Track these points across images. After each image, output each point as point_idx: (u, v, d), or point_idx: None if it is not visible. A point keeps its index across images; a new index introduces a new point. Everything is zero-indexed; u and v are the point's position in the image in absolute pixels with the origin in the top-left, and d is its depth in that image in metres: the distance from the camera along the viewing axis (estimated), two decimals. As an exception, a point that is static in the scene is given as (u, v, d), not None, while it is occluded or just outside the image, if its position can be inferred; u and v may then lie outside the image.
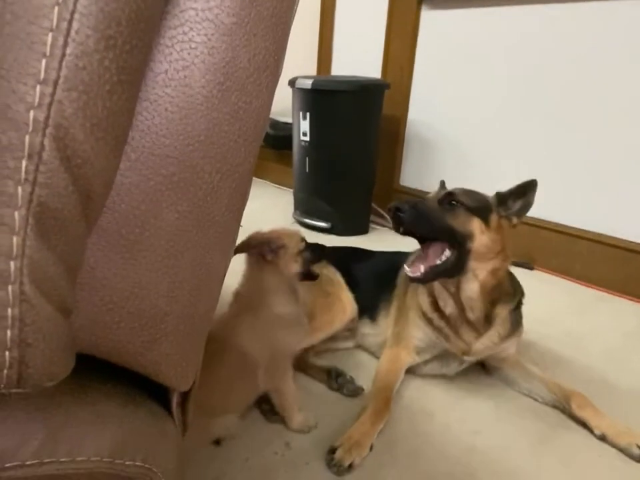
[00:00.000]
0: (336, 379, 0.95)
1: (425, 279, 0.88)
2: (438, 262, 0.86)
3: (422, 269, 0.86)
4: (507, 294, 0.93)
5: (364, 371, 1.01)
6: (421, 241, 0.91)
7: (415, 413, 0.90)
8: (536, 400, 0.95)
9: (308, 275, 0.83)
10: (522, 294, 0.98)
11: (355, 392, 0.93)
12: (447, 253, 0.86)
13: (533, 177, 0.90)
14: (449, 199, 0.88)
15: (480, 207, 0.89)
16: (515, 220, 0.92)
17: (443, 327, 0.95)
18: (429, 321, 0.96)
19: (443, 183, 1.03)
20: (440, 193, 0.92)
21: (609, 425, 0.85)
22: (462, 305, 0.91)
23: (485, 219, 0.88)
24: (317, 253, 0.84)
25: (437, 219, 0.86)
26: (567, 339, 1.18)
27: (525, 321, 1.00)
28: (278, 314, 0.80)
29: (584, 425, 0.87)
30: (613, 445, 0.83)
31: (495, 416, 0.90)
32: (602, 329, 1.24)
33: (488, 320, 0.92)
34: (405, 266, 0.89)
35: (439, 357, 0.99)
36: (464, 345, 0.94)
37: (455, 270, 0.87)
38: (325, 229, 1.89)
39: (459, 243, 0.86)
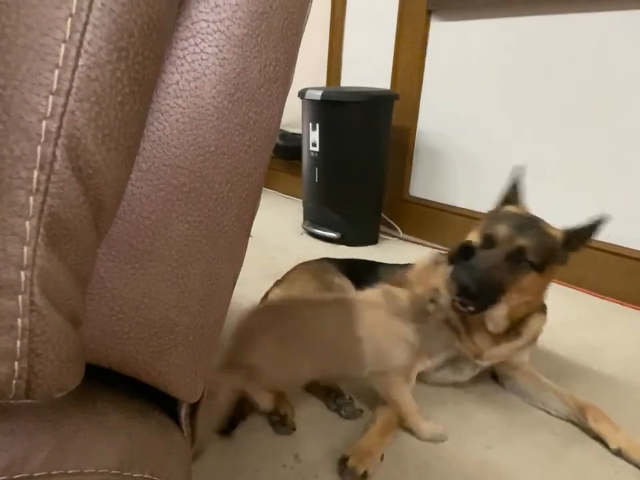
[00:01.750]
0: (334, 400, 0.91)
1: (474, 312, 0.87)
2: None
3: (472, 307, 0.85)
4: (539, 309, 0.95)
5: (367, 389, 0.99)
6: None
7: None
8: (549, 413, 0.93)
9: None
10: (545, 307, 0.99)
11: (353, 414, 0.89)
12: None
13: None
14: (519, 257, 0.84)
15: (545, 260, 0.85)
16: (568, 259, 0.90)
17: (459, 327, 0.94)
18: (446, 321, 0.94)
19: (515, 187, 0.98)
20: (513, 244, 0.84)
21: (626, 439, 0.83)
22: (484, 321, 0.91)
23: (542, 270, 0.85)
24: None
25: (497, 285, 0.83)
26: (581, 351, 1.16)
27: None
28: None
29: (599, 439, 0.85)
30: (629, 461, 0.81)
31: (507, 430, 0.89)
32: (616, 340, 1.22)
33: (514, 332, 0.93)
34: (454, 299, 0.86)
35: (451, 361, 0.98)
36: (477, 348, 0.93)
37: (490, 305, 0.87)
38: (334, 239, 1.89)
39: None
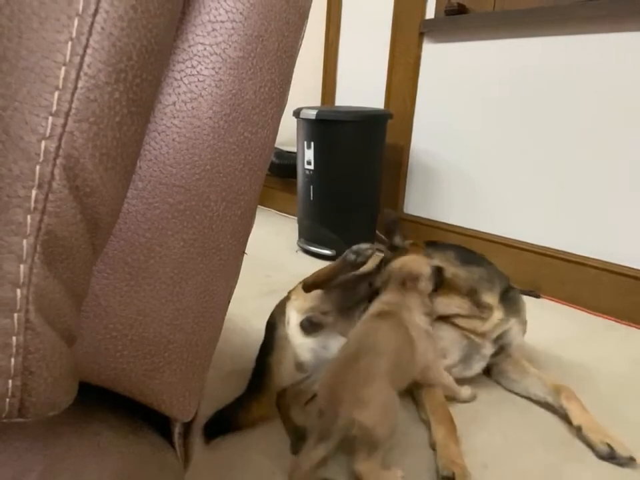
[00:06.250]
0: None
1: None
2: None
3: None
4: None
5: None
6: None
7: (421, 446, 0.88)
8: (531, 399, 1.00)
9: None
10: None
11: None
12: None
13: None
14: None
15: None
16: None
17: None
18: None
19: None
20: None
21: (589, 420, 0.89)
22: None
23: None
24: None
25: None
26: (575, 368, 1.16)
27: (531, 349, 1.00)
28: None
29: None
30: (585, 440, 0.87)
31: (503, 448, 0.88)
32: (610, 358, 1.22)
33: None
34: None
35: (461, 358, 1.03)
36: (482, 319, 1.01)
37: None
38: (329, 257, 1.89)
39: None
